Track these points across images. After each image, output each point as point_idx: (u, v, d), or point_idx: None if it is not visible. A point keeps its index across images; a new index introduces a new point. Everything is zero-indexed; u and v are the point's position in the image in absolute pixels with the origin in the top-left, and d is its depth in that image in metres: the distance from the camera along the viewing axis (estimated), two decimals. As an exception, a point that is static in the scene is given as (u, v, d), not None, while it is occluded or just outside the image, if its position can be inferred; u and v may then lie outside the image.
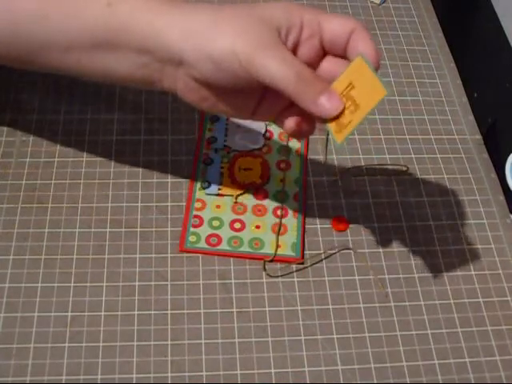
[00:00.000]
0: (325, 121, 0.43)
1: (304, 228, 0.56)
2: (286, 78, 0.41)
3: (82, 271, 0.52)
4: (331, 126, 0.43)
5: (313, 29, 0.43)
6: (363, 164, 0.61)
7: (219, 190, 0.57)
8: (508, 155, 0.65)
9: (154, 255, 0.53)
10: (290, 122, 0.45)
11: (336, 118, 0.42)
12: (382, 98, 0.40)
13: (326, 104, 0.42)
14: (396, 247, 0.56)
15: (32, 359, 0.47)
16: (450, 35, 0.75)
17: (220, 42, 0.41)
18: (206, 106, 0.46)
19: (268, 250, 0.54)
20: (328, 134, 0.62)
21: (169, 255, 0.54)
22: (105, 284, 0.51)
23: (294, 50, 0.44)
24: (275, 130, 0.62)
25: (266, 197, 0.57)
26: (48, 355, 0.48)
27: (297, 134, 0.46)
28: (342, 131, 0.42)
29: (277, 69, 0.41)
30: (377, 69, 0.42)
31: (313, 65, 0.45)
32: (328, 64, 0.45)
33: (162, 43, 0.42)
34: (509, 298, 0.54)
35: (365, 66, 0.42)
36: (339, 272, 0.54)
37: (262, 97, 0.45)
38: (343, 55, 0.44)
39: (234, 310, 0.51)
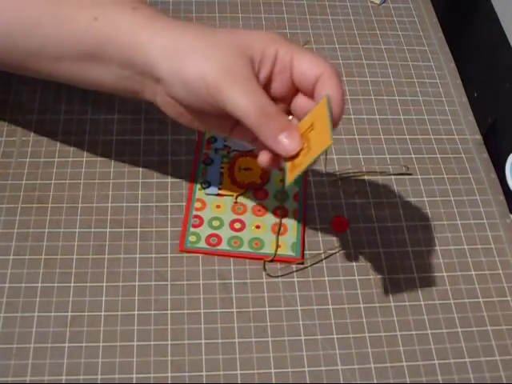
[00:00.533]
0: (284, 158, 0.44)
1: (304, 228, 0.56)
2: (248, 111, 0.41)
3: (81, 271, 0.52)
4: (288, 165, 0.43)
5: (285, 64, 0.43)
6: (363, 164, 0.61)
7: (219, 190, 0.57)
8: (508, 155, 0.65)
9: (154, 255, 0.53)
10: (264, 157, 0.45)
11: (294, 157, 0.43)
12: (326, 147, 0.40)
13: (285, 142, 0.42)
14: (396, 247, 0.56)
15: (32, 359, 0.47)
16: (449, 35, 0.75)
17: (192, 67, 0.42)
18: (184, 122, 0.47)
19: (268, 250, 0.54)
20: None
21: (169, 255, 0.54)
22: (105, 284, 0.51)
23: (268, 83, 0.44)
24: (275, 130, 0.62)
25: (266, 197, 0.57)
26: (48, 355, 0.48)
27: (270, 167, 0.46)
28: (293, 171, 0.42)
29: (240, 100, 0.41)
30: (339, 115, 0.42)
31: (286, 99, 0.45)
32: (302, 100, 0.45)
33: (143, 58, 0.43)
34: (509, 298, 0.54)
35: (325, 111, 0.41)
36: (339, 272, 0.54)
37: (238, 121, 0.45)
38: (311, 96, 0.44)
39: (234, 310, 0.51)
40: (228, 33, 0.44)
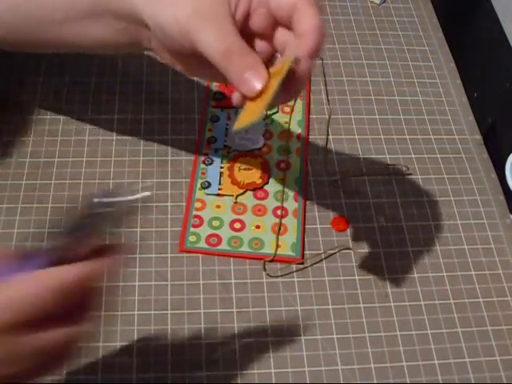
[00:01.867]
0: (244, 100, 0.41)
1: (304, 228, 0.56)
2: (213, 49, 0.41)
3: (82, 271, 0.52)
4: (246, 107, 0.41)
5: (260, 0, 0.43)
6: (363, 164, 0.61)
7: (219, 190, 0.57)
8: (508, 155, 0.65)
9: (154, 255, 0.53)
10: (235, 96, 0.43)
11: (255, 98, 0.40)
12: (259, 116, 0.39)
13: (250, 77, 0.40)
14: (396, 247, 0.56)
15: (32, 359, 0.47)
16: (449, 35, 0.75)
17: (166, 10, 0.42)
18: (179, 68, 0.47)
19: (268, 250, 0.54)
20: (328, 134, 0.62)
21: (169, 255, 0.54)
22: (105, 284, 0.51)
23: (246, 20, 0.43)
24: (275, 130, 0.62)
25: (266, 197, 0.57)
26: (48, 355, 0.48)
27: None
28: (246, 118, 0.40)
29: (207, 39, 0.41)
30: (317, 45, 0.40)
31: (268, 35, 0.44)
32: (283, 33, 0.44)
33: (130, 7, 0.44)
34: (509, 298, 0.54)
35: (284, 70, 0.40)
36: (339, 272, 0.54)
37: None
38: (290, 27, 0.43)
39: (234, 310, 0.51)
40: None
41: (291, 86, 0.41)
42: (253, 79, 0.40)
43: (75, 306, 0.33)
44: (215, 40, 0.41)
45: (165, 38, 0.44)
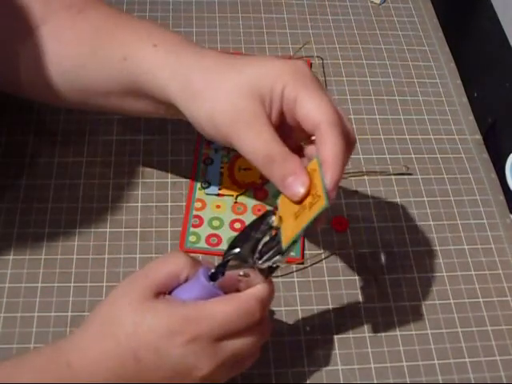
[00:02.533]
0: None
1: (304, 228, 0.56)
2: (254, 155, 0.42)
3: (82, 271, 0.52)
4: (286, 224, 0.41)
5: (290, 104, 0.42)
6: (363, 164, 0.61)
7: (219, 190, 0.57)
8: (508, 155, 0.65)
9: (154, 255, 0.53)
10: None
11: (302, 201, 0.41)
12: (321, 209, 0.38)
13: (292, 183, 0.41)
14: (396, 247, 0.56)
15: (32, 359, 0.47)
16: (449, 35, 0.75)
17: (203, 110, 0.43)
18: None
19: (268, 250, 0.54)
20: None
21: (169, 255, 0.53)
22: (105, 284, 0.51)
23: (281, 118, 0.43)
24: (275, 130, 0.62)
25: (265, 197, 0.57)
26: (48, 355, 0.48)
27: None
28: (291, 231, 0.40)
29: (249, 146, 0.42)
30: (337, 176, 0.39)
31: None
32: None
33: (166, 97, 0.45)
34: (509, 298, 0.54)
35: (318, 171, 0.40)
36: (339, 272, 0.54)
37: None
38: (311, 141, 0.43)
39: (234, 310, 0.51)
40: (238, 71, 0.43)
41: None
42: (295, 185, 0.41)
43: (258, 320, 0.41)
44: (256, 147, 0.42)
45: (203, 132, 0.45)
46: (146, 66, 0.46)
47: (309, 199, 0.40)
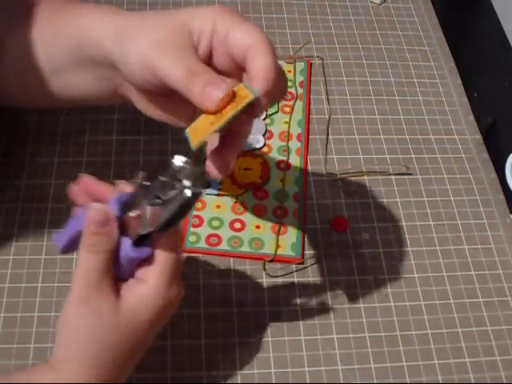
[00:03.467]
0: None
1: (304, 228, 0.56)
2: (175, 74, 0.41)
3: (82, 271, 0.52)
4: (201, 122, 0.41)
5: (220, 37, 0.42)
6: (363, 164, 0.61)
7: (219, 190, 0.57)
8: (508, 155, 0.65)
9: (154, 255, 0.53)
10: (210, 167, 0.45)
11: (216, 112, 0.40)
12: (250, 100, 0.38)
13: (212, 90, 0.40)
14: (396, 247, 0.56)
15: (32, 359, 0.47)
16: (449, 35, 0.75)
17: (132, 47, 0.43)
18: (151, 113, 0.47)
19: (268, 250, 0.54)
20: (328, 134, 0.62)
21: (169, 255, 0.53)
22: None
23: (210, 57, 0.43)
24: (275, 130, 0.62)
25: (265, 197, 0.57)
26: (48, 355, 0.48)
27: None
28: (211, 125, 0.40)
29: (169, 66, 0.41)
30: (270, 87, 0.39)
31: (234, 75, 0.44)
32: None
33: (102, 51, 0.44)
34: (509, 298, 0.54)
35: (242, 86, 0.40)
36: (339, 272, 0.54)
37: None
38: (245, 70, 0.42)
39: (234, 309, 0.51)
40: (174, 11, 0.44)
41: (251, 112, 0.41)
42: (214, 91, 0.40)
43: None
44: (175, 66, 0.41)
45: (131, 75, 0.43)
46: (85, 27, 0.45)
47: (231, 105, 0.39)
